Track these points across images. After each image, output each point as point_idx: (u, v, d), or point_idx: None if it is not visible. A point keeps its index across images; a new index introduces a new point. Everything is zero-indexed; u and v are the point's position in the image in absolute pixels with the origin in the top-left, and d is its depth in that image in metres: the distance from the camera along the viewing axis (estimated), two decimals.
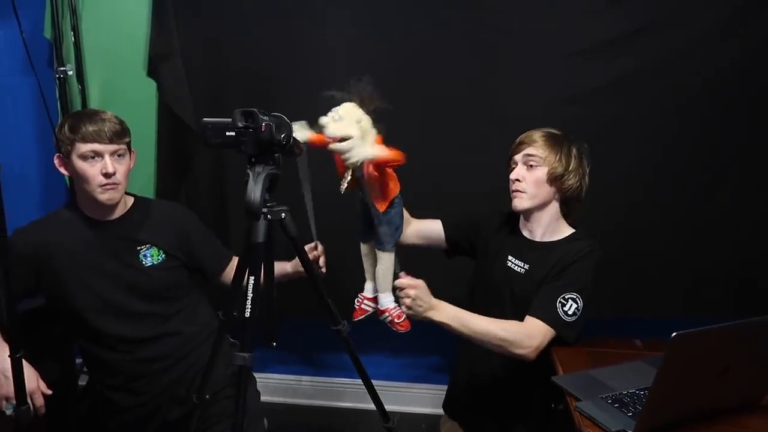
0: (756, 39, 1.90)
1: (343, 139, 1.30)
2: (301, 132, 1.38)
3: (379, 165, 1.35)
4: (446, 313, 1.41)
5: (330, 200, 1.45)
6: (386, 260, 1.45)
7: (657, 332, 1.37)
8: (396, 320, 1.45)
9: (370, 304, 1.53)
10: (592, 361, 1.48)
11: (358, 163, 1.33)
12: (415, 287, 1.37)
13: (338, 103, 1.34)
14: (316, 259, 1.64)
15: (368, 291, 1.54)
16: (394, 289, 1.42)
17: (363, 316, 1.53)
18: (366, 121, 1.35)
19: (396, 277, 1.42)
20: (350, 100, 1.35)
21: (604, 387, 1.33)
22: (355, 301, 1.54)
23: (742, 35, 1.90)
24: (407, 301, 1.37)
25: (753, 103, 1.94)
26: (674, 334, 1.06)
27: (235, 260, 1.78)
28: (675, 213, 2.03)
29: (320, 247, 1.64)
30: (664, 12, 1.91)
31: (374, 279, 1.51)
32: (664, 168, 2.01)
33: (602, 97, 1.98)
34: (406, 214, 1.59)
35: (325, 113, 1.33)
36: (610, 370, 1.42)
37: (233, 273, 1.73)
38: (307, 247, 1.61)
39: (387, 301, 1.47)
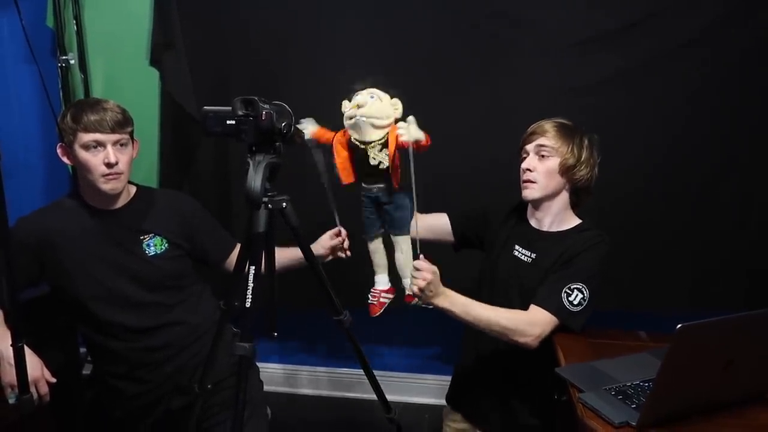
0: (763, 29, 1.87)
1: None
2: (309, 127, 1.41)
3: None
4: (451, 299, 1.42)
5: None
6: (407, 244, 1.47)
7: (663, 325, 1.36)
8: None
9: (388, 295, 1.53)
10: (596, 353, 1.47)
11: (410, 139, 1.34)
12: (431, 272, 1.38)
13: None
14: (340, 243, 1.63)
15: (382, 284, 1.54)
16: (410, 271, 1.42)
17: (382, 309, 1.53)
18: (400, 105, 1.39)
19: (416, 258, 1.43)
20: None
21: (607, 378, 1.32)
22: (370, 296, 1.53)
23: (751, 25, 1.87)
24: (421, 283, 1.37)
25: (761, 94, 1.92)
26: (679, 325, 1.05)
27: (239, 247, 1.77)
28: (682, 205, 2.01)
29: (344, 232, 1.62)
30: (671, 1, 1.88)
31: (386, 272, 1.53)
32: (671, 160, 1.99)
33: (608, 88, 1.96)
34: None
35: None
36: (614, 361, 1.41)
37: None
38: (330, 233, 1.62)
39: None
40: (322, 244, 1.63)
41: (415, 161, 1.33)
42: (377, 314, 1.52)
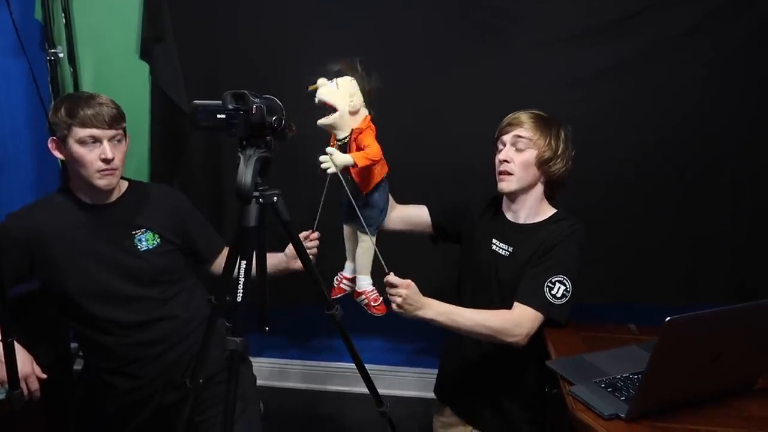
0: (760, 20, 1.87)
1: (331, 109, 1.34)
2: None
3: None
4: (434, 309, 1.41)
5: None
6: (367, 242, 1.46)
7: (653, 318, 1.37)
8: (372, 303, 1.48)
9: (348, 284, 1.56)
10: (586, 346, 1.48)
11: (339, 168, 1.33)
12: (406, 287, 1.37)
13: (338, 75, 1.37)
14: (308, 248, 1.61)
15: (348, 271, 1.56)
16: (384, 286, 1.41)
17: (341, 295, 1.56)
18: (358, 98, 1.37)
19: (386, 272, 1.41)
20: (351, 75, 1.38)
21: (597, 371, 1.33)
22: (335, 279, 1.57)
23: (747, 17, 1.87)
24: (398, 299, 1.37)
25: (755, 88, 1.92)
26: (668, 318, 1.06)
27: (226, 249, 1.77)
28: (673, 199, 2.02)
29: (315, 234, 1.61)
30: None
31: (354, 260, 1.53)
32: (663, 154, 1.99)
33: (600, 82, 1.96)
34: (390, 199, 1.59)
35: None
36: (604, 354, 1.42)
37: (224, 261, 1.73)
38: (302, 234, 1.60)
39: (365, 283, 1.49)
40: (289, 248, 1.62)
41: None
42: (335, 297, 1.55)
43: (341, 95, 1.34)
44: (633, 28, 1.92)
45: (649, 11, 1.90)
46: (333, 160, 1.31)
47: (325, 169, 1.32)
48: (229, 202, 2.20)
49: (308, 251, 1.60)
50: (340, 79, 1.35)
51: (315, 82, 1.36)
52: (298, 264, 1.60)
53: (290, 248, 1.64)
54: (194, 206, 1.77)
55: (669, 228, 2.04)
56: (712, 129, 1.96)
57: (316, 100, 1.35)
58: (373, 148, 1.37)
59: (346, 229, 1.54)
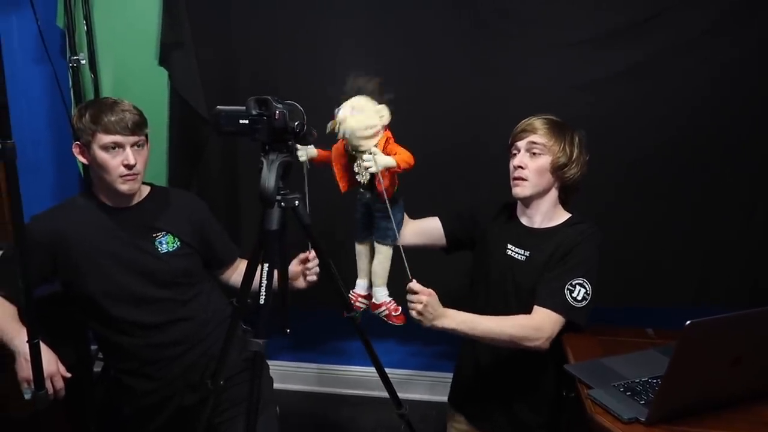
0: None
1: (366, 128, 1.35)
2: (307, 151, 1.43)
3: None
4: (454, 319, 1.41)
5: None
6: (385, 254, 1.48)
7: (669, 322, 1.37)
8: (393, 313, 1.49)
9: (364, 301, 1.56)
10: (604, 350, 1.48)
11: (377, 171, 1.36)
12: (428, 294, 1.37)
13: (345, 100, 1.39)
14: (306, 269, 1.62)
15: (361, 288, 1.57)
16: (405, 293, 1.41)
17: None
18: (386, 111, 1.39)
19: (409, 279, 1.42)
20: (361, 94, 1.39)
21: (616, 375, 1.34)
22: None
23: (762, 16, 1.87)
24: (418, 306, 1.36)
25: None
26: (688, 322, 1.06)
27: (239, 260, 1.81)
28: (689, 202, 2.02)
29: (312, 255, 1.60)
30: None
31: (368, 276, 1.55)
32: (678, 156, 1.99)
33: (612, 85, 1.97)
34: (404, 215, 1.61)
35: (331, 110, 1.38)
36: (622, 358, 1.43)
37: (234, 273, 1.74)
38: (301, 257, 1.61)
39: (382, 295, 1.50)
40: (291, 269, 1.62)
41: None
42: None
43: (367, 115, 1.36)
44: (646, 31, 1.92)
45: (663, 14, 1.90)
46: (376, 159, 1.33)
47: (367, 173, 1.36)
48: (245, 206, 2.22)
49: (308, 274, 1.61)
50: (355, 103, 1.37)
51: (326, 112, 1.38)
52: (300, 283, 1.64)
53: (292, 266, 1.63)
54: (212, 214, 1.79)
55: (683, 230, 2.04)
56: (725, 131, 1.96)
57: (345, 135, 1.37)
58: (404, 154, 1.40)
59: (359, 247, 1.55)
